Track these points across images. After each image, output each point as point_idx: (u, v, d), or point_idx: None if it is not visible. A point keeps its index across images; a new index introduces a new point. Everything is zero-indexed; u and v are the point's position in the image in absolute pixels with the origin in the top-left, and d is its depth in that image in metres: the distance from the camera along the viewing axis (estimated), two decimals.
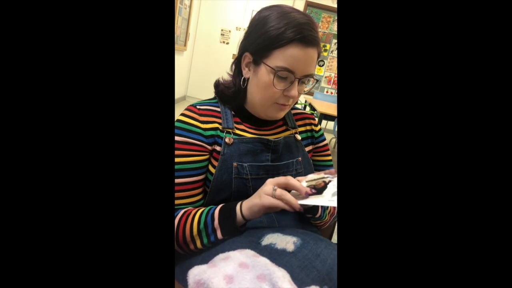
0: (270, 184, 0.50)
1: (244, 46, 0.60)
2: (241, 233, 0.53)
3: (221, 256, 0.43)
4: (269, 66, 0.55)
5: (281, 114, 0.62)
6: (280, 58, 0.54)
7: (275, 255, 0.45)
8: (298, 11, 0.56)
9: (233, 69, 0.65)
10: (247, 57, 0.60)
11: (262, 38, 0.55)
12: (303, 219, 0.65)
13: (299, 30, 0.53)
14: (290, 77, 0.55)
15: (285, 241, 0.48)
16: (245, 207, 0.52)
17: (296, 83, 0.56)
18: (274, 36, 0.54)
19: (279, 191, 0.49)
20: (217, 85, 0.65)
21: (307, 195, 0.50)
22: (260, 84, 0.57)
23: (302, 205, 0.49)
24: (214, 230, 0.52)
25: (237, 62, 0.63)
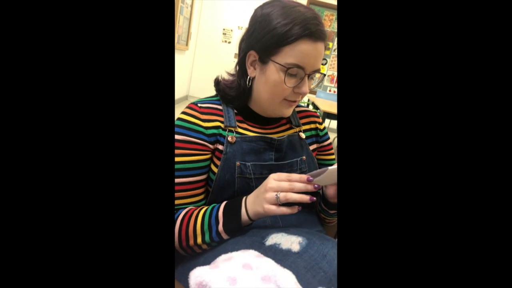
0: (271, 191, 0.48)
1: (248, 45, 0.58)
2: (245, 232, 0.52)
3: (223, 257, 0.42)
4: (279, 64, 0.53)
5: (290, 111, 0.61)
6: (290, 54, 0.53)
7: (280, 256, 0.44)
8: (300, 5, 0.54)
9: (236, 69, 0.64)
10: (252, 56, 0.58)
11: (269, 36, 0.54)
12: (307, 219, 0.64)
13: (306, 26, 0.51)
14: (300, 73, 0.54)
15: (290, 241, 0.47)
16: (251, 211, 0.50)
17: (307, 79, 0.55)
18: (282, 33, 0.52)
19: (283, 196, 0.47)
20: (218, 83, 0.64)
21: (310, 181, 0.49)
22: (270, 82, 0.56)
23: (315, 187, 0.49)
24: (218, 233, 0.51)
25: (241, 61, 0.61)
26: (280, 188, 0.48)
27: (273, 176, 0.50)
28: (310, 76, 0.56)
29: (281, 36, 0.52)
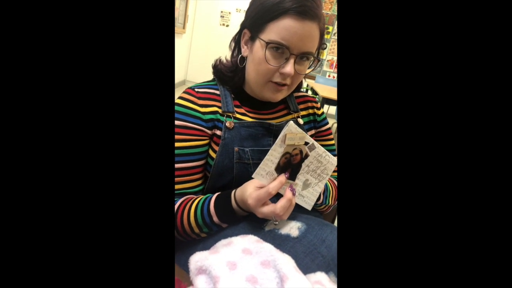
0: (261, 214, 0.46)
1: (243, 22, 0.57)
2: (245, 218, 0.52)
3: (223, 242, 0.42)
4: (263, 40, 0.52)
5: (278, 96, 0.58)
6: (273, 31, 0.51)
7: (279, 241, 0.44)
8: None
9: (232, 47, 0.62)
10: (246, 34, 0.57)
11: (257, 10, 0.52)
12: None
13: (296, 1, 0.49)
14: (286, 52, 0.52)
15: (289, 227, 0.47)
16: (246, 209, 0.49)
17: (292, 60, 0.52)
18: (269, 6, 0.50)
19: (279, 218, 0.46)
20: (216, 65, 0.63)
21: (287, 174, 0.48)
22: (255, 60, 0.54)
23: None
24: (215, 224, 0.51)
25: (237, 40, 0.60)
26: (258, 200, 0.45)
27: (253, 204, 0.46)
28: (299, 57, 0.53)
29: (267, 10, 0.50)
